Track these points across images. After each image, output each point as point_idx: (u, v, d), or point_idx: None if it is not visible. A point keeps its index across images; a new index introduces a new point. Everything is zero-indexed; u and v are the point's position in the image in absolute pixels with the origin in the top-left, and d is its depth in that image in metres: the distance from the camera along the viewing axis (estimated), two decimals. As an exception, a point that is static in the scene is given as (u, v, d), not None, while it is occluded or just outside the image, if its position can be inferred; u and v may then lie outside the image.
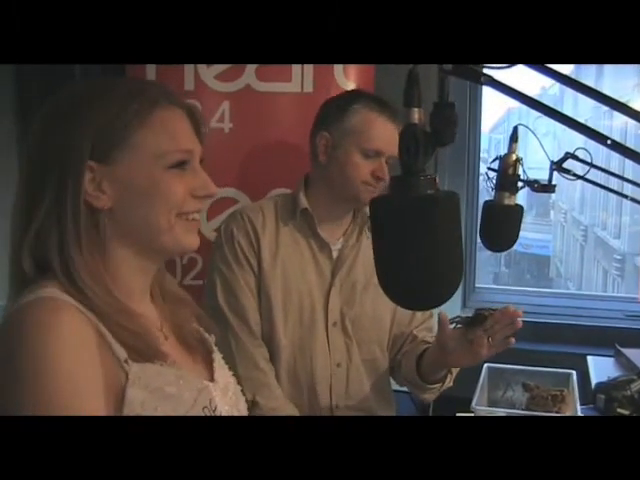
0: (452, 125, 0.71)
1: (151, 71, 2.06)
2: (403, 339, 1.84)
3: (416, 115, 0.71)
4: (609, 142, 0.67)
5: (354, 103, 1.72)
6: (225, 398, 1.09)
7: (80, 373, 0.87)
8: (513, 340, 1.52)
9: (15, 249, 0.97)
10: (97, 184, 0.97)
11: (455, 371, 1.77)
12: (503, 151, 1.45)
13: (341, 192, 1.74)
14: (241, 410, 1.14)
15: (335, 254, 1.78)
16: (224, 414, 1.06)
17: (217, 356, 1.16)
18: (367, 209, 1.75)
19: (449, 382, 1.76)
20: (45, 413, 0.83)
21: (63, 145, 0.96)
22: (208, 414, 1.01)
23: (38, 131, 1.00)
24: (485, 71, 0.70)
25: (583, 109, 8.93)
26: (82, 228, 0.96)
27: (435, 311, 1.86)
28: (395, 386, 1.91)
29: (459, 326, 1.59)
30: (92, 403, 0.87)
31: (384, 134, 1.70)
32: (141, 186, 0.98)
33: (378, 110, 1.71)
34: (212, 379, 1.10)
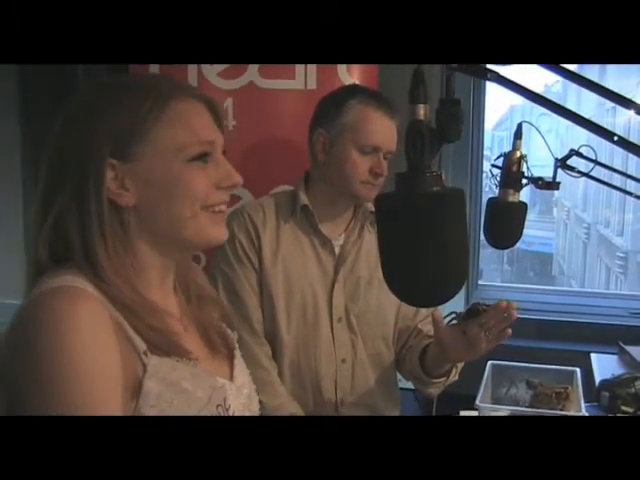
0: (458, 122, 0.71)
1: (154, 68, 2.06)
2: (408, 333, 1.84)
3: (422, 112, 0.70)
4: (615, 139, 0.67)
5: (350, 99, 1.71)
6: (240, 397, 1.08)
7: (98, 363, 0.86)
8: (509, 331, 1.52)
9: (33, 241, 0.98)
10: (120, 182, 0.97)
11: (460, 365, 1.76)
12: (506, 148, 1.44)
13: (340, 189, 1.74)
14: (253, 410, 1.13)
15: (337, 250, 1.78)
16: (237, 413, 1.05)
17: (238, 354, 1.15)
18: (369, 205, 1.77)
19: (454, 376, 1.76)
20: (62, 403, 0.83)
21: (82, 145, 0.96)
22: (222, 412, 1.01)
23: (57, 132, 0.99)
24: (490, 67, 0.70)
25: (586, 107, 8.92)
26: (106, 226, 0.95)
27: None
28: (399, 383, 1.91)
29: (454, 322, 1.58)
30: (110, 395, 0.87)
31: (381, 129, 1.69)
32: (163, 181, 0.98)
33: (375, 105, 1.70)
34: (231, 377, 1.09)
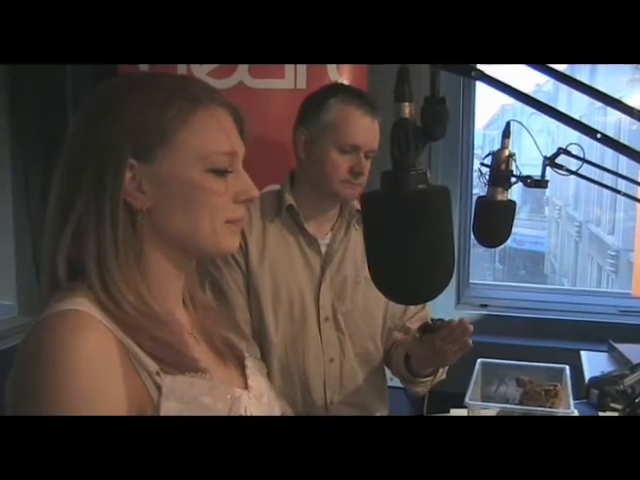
0: (443, 120, 0.71)
1: (144, 67, 2.05)
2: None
3: (407, 110, 0.70)
4: (599, 136, 0.67)
5: (330, 97, 1.71)
6: (260, 405, 1.06)
7: (94, 395, 0.85)
8: (470, 342, 1.55)
9: (50, 252, 0.95)
10: (137, 184, 0.94)
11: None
12: (497, 148, 1.45)
13: (322, 189, 1.74)
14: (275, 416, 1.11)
15: (324, 249, 1.78)
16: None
17: (249, 362, 1.13)
18: (356, 203, 1.77)
19: (441, 375, 1.77)
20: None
21: (103, 144, 0.93)
22: None
23: (77, 129, 0.97)
24: (478, 66, 0.70)
25: (577, 106, 8.96)
26: (119, 229, 0.93)
27: (429, 302, 1.87)
28: (390, 382, 1.91)
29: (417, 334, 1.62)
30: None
31: (361, 128, 1.69)
32: (181, 187, 0.95)
33: (355, 104, 1.69)
34: (246, 386, 1.07)
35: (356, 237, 1.80)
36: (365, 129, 1.69)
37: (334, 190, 1.71)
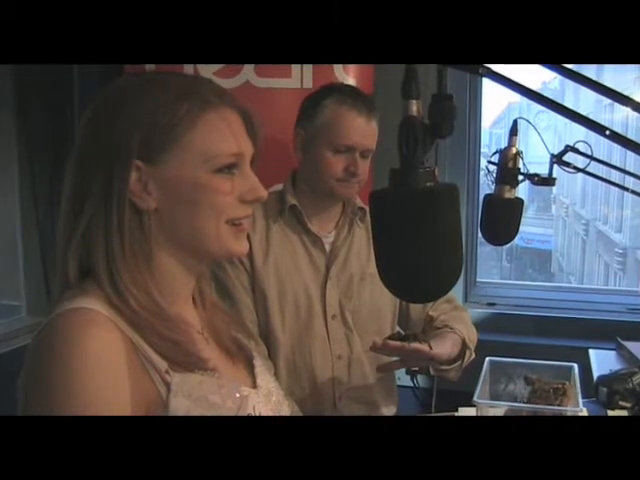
0: (450, 117, 0.71)
1: (150, 66, 2.05)
2: (422, 322, 1.85)
3: (414, 107, 0.70)
4: (608, 133, 0.67)
5: (325, 98, 1.72)
6: (269, 404, 1.07)
7: (102, 393, 0.86)
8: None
9: (62, 252, 0.96)
10: (143, 184, 0.95)
11: (473, 345, 1.78)
12: (504, 146, 1.45)
13: (318, 188, 1.75)
14: (284, 415, 1.11)
15: (328, 247, 1.79)
16: None
17: (258, 362, 1.14)
18: (358, 201, 1.77)
19: (470, 357, 1.77)
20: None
21: (110, 144, 0.93)
22: None
23: (85, 129, 0.97)
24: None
25: (584, 103, 8.93)
26: (126, 229, 0.93)
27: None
28: (398, 382, 1.91)
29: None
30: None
31: (355, 128, 1.69)
32: (188, 189, 0.96)
33: (349, 103, 1.69)
34: (254, 385, 1.08)
35: (360, 234, 1.81)
36: (359, 129, 1.69)
37: (330, 189, 1.72)
